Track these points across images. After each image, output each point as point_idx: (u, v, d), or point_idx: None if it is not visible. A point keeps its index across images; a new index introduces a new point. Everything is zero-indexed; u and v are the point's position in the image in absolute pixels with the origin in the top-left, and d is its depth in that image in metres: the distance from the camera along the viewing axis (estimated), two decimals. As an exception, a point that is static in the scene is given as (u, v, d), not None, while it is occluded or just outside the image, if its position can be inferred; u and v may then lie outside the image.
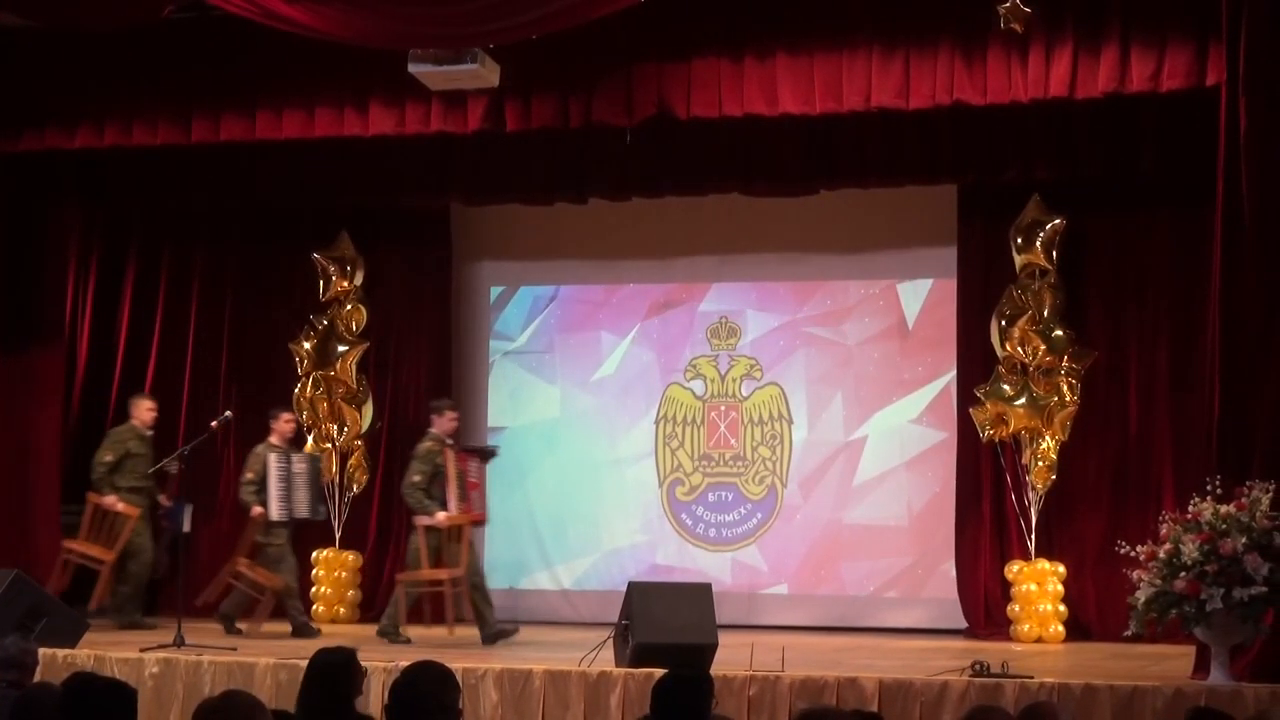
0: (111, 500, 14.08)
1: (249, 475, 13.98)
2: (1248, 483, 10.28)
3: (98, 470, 14.19)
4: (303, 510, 14.08)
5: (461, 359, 16.28)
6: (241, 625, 13.74)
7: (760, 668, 10.40)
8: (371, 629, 13.76)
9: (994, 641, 13.58)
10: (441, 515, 13.29)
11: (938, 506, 14.85)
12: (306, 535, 15.65)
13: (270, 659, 11.00)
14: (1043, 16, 11.26)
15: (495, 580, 15.69)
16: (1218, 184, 11.04)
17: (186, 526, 14.54)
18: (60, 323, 15.36)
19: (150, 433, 14.52)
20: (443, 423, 13.70)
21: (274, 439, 14.17)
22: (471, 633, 13.28)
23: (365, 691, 6.64)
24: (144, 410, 14.55)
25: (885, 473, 15.17)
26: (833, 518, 15.21)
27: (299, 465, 14.08)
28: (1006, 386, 14.18)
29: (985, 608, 14.14)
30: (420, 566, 13.35)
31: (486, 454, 14.21)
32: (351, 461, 15.78)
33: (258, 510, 13.83)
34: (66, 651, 11.28)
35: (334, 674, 6.45)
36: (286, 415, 14.43)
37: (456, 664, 10.40)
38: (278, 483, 13.88)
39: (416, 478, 13.46)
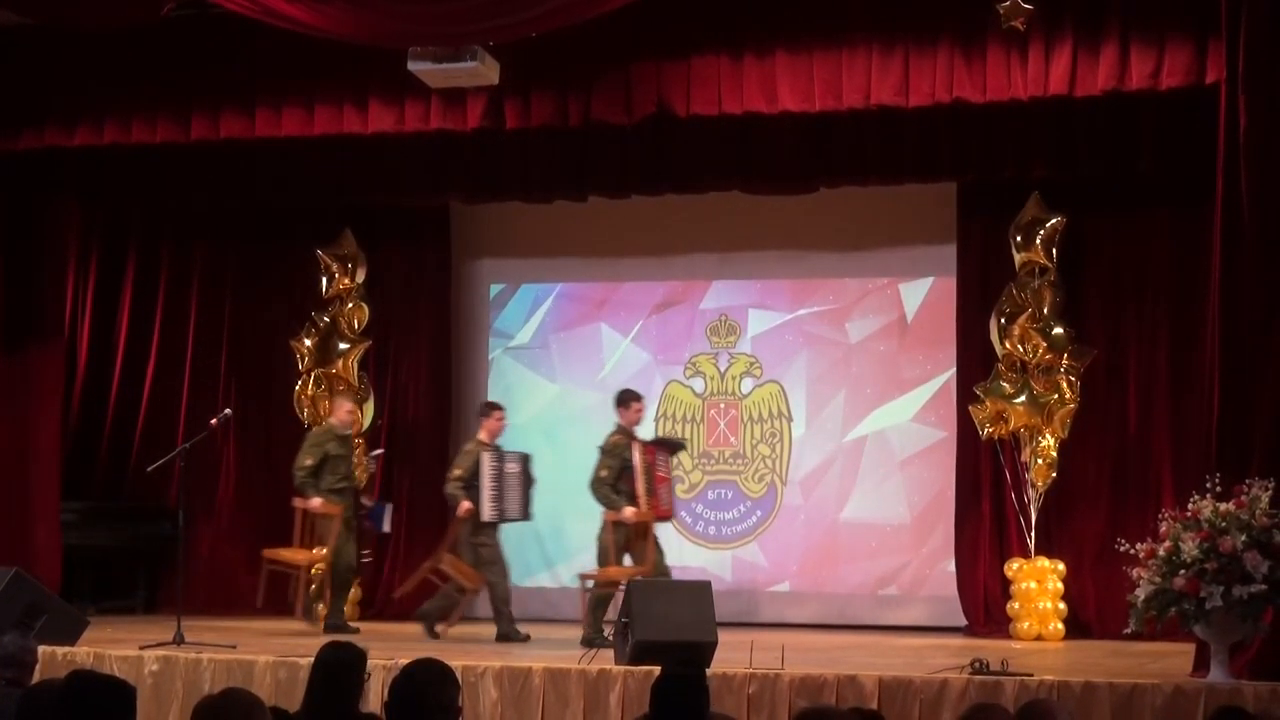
0: (317, 503, 13.73)
1: (457, 472, 13.55)
2: (1247, 480, 10.27)
3: (300, 474, 13.82)
4: (515, 512, 13.54)
5: (461, 356, 16.30)
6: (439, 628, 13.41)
7: (760, 665, 10.40)
8: (372, 626, 13.76)
9: (993, 639, 13.59)
10: (629, 511, 12.96)
11: (937, 504, 14.86)
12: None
13: (270, 657, 11.00)
14: (1042, 15, 11.27)
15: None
16: (1217, 182, 11.04)
17: (387, 527, 14.40)
18: (60, 321, 15.36)
19: (349, 433, 14.30)
20: (628, 415, 13.36)
21: (484, 436, 13.75)
22: (474, 630, 13.29)
23: (365, 690, 6.59)
24: (343, 411, 14.27)
25: (885, 471, 15.18)
26: (832, 516, 15.22)
27: (512, 465, 13.53)
28: (1006, 384, 14.18)
29: (985, 605, 14.15)
30: (609, 564, 13.02)
31: (674, 446, 13.92)
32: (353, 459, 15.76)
33: (465, 506, 13.37)
34: (66, 649, 11.28)
35: (342, 671, 6.44)
36: (498, 413, 13.93)
37: (456, 661, 10.40)
38: (490, 483, 13.37)
39: (604, 473, 13.12)
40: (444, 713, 5.92)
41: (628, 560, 13.21)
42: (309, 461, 13.84)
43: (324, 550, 13.83)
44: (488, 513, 13.33)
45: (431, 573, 13.61)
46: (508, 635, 13.25)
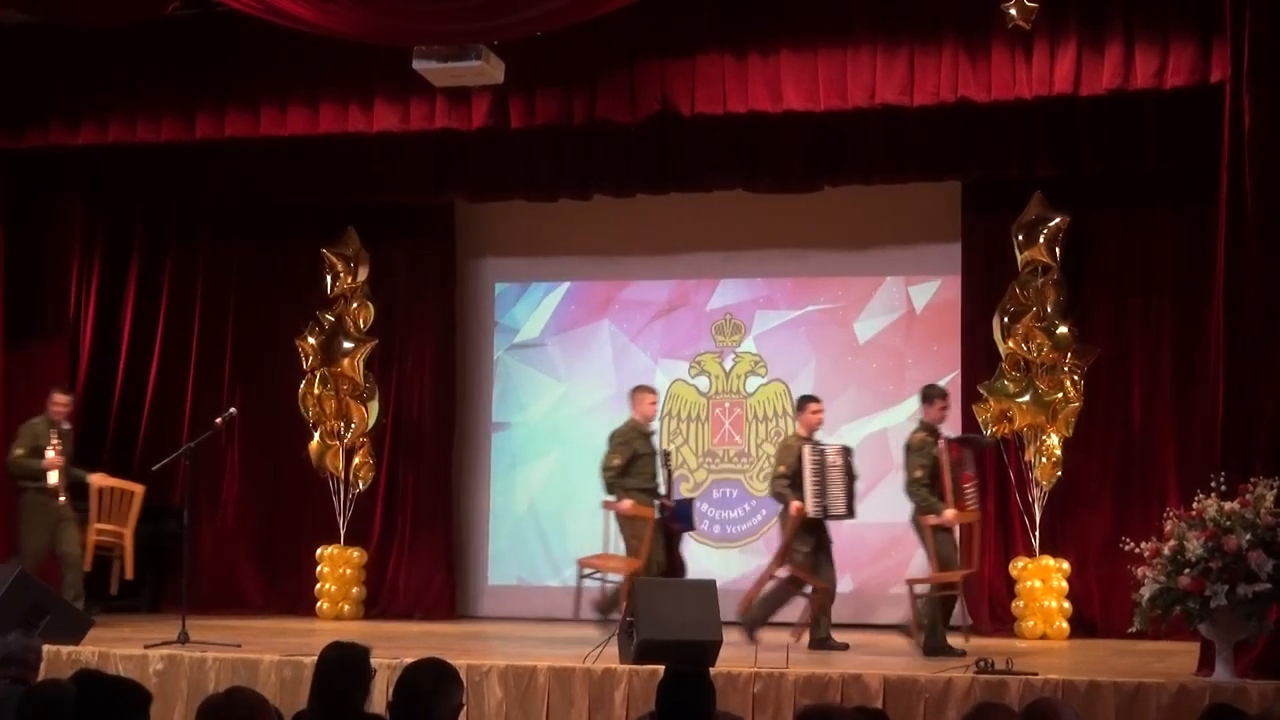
0: (628, 505, 13.04)
1: (781, 469, 13.00)
2: (1252, 479, 10.27)
3: (608, 475, 13.17)
4: (839, 507, 12.87)
5: (466, 355, 16.30)
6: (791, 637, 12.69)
7: (765, 664, 10.41)
8: (376, 626, 13.77)
9: (998, 638, 13.59)
10: (950, 513, 12.43)
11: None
12: (311, 532, 15.70)
13: (275, 656, 11.01)
14: (1047, 14, 11.26)
15: (501, 576, 15.75)
16: (1221, 181, 11.04)
17: (696, 525, 13.79)
18: (64, 318, 15.38)
19: (653, 429, 13.62)
20: (932, 412, 12.84)
21: (801, 430, 13.17)
22: (476, 628, 13.29)
23: (370, 690, 6.59)
24: (647, 405, 13.47)
25: (889, 469, 15.15)
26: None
27: (834, 458, 12.85)
28: (1010, 383, 14.18)
29: (990, 604, 14.15)
30: (952, 569, 12.56)
31: (981, 445, 13.45)
32: (357, 458, 15.77)
33: (797, 505, 12.73)
34: (71, 648, 11.28)
35: (347, 670, 6.44)
36: (814, 405, 13.22)
37: (461, 660, 10.45)
38: (813, 478, 12.75)
39: (918, 473, 12.58)
40: (446, 712, 5.92)
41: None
42: (617, 461, 13.15)
43: (637, 557, 13.12)
44: (811, 508, 12.72)
45: (772, 579, 13.11)
46: (824, 641, 12.75)
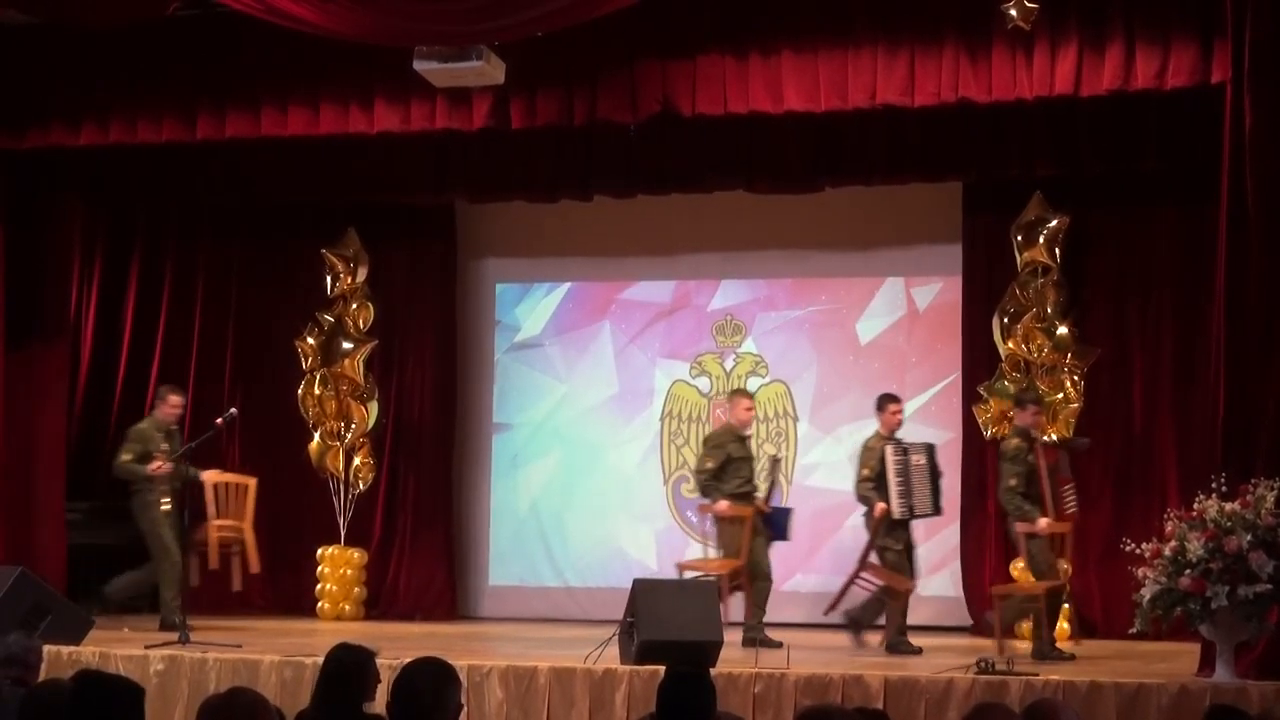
0: (724, 506, 13.02)
1: (864, 471, 12.94)
2: (1252, 480, 10.28)
3: (702, 478, 13.22)
4: (925, 507, 12.87)
5: (466, 356, 16.30)
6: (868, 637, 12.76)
7: (765, 665, 10.42)
8: (377, 626, 13.76)
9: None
10: (1044, 522, 12.31)
11: (943, 504, 14.83)
12: (312, 532, 15.70)
13: (275, 657, 11.01)
14: (1047, 14, 11.25)
15: (502, 577, 15.76)
16: (1222, 182, 11.04)
17: (789, 533, 13.58)
18: (65, 319, 15.35)
19: (749, 433, 13.61)
20: (1025, 416, 12.76)
21: (883, 430, 13.11)
22: (477, 629, 13.29)
23: (373, 693, 6.59)
24: (742, 410, 13.43)
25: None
26: (837, 515, 15.19)
27: (917, 458, 12.86)
28: (1010, 384, 14.18)
29: (990, 605, 14.12)
30: (1053, 576, 12.49)
31: (1078, 447, 13.27)
32: (357, 459, 15.77)
33: (881, 507, 12.70)
34: (71, 648, 11.29)
35: (351, 671, 6.44)
36: (894, 405, 13.21)
37: (462, 661, 10.46)
38: (896, 478, 12.74)
39: (1013, 481, 12.44)
40: (444, 711, 5.92)
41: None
42: (711, 464, 13.15)
43: (735, 558, 13.02)
44: (896, 509, 12.69)
45: (856, 582, 13.02)
46: (897, 646, 12.63)
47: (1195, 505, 10.37)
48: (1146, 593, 10.33)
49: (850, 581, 12.99)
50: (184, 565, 13.64)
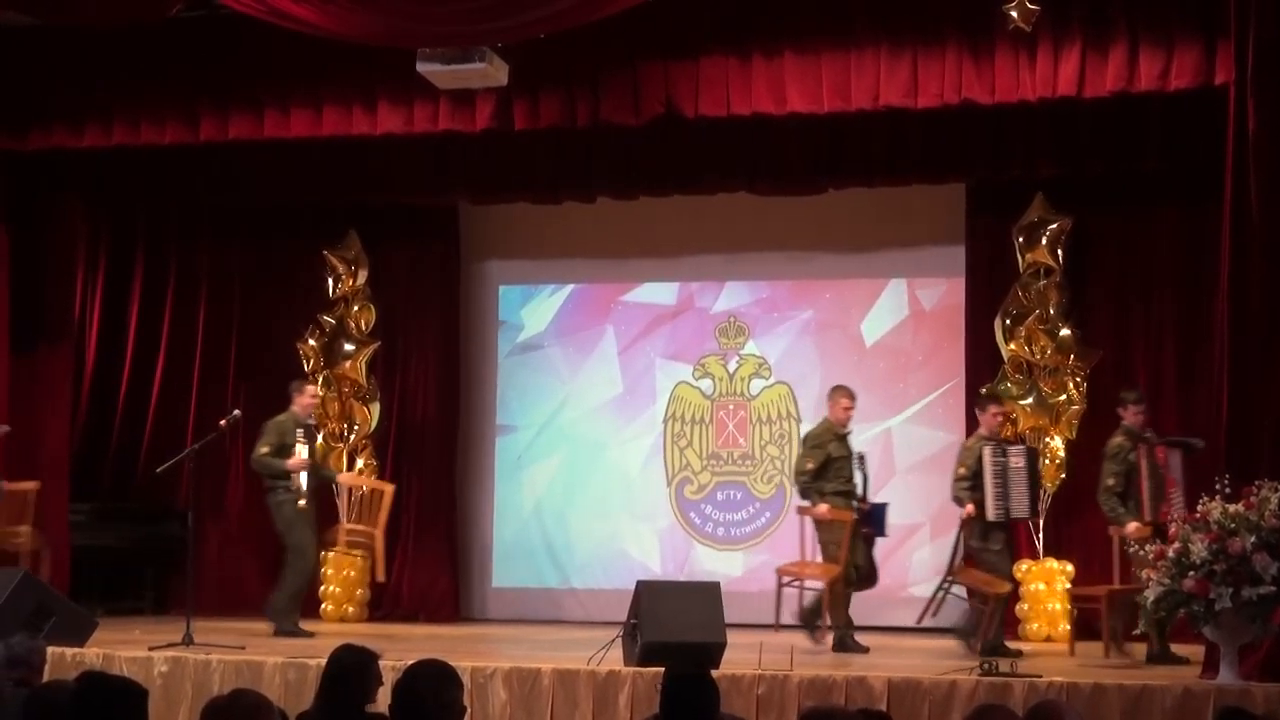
0: (824, 509, 12.80)
1: (961, 470, 12.76)
2: (1256, 482, 10.28)
3: (802, 479, 12.96)
4: (1021, 509, 12.66)
5: (469, 357, 16.30)
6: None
7: (769, 667, 10.40)
8: (380, 628, 13.76)
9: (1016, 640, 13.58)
10: (1132, 527, 11.97)
11: (946, 505, 14.81)
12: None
13: (279, 658, 11.01)
14: (1050, 16, 11.26)
15: (506, 579, 15.75)
16: (1225, 183, 11.04)
17: (886, 531, 13.41)
18: (69, 321, 15.37)
19: (849, 432, 13.17)
20: (1129, 415, 12.58)
21: (983, 431, 12.97)
22: (481, 631, 13.29)
23: (374, 695, 6.59)
24: (840, 410, 13.10)
25: (893, 471, 15.18)
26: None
27: (1015, 459, 12.61)
28: (1012, 386, 14.18)
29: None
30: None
31: (1190, 447, 12.72)
32: (360, 460, 15.77)
33: (969, 509, 12.58)
34: (75, 650, 11.28)
35: (354, 673, 6.44)
36: (995, 408, 13.08)
37: (465, 663, 10.48)
38: (994, 479, 12.52)
39: (1110, 481, 12.30)
40: (446, 712, 5.92)
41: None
42: (811, 465, 12.91)
43: (835, 562, 12.88)
44: (992, 511, 12.50)
45: (947, 588, 12.92)
46: (995, 649, 12.20)
47: (1199, 507, 10.37)
48: (1150, 594, 10.33)
49: (941, 588, 12.95)
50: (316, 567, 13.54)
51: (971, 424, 14.34)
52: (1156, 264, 14.26)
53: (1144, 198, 14.17)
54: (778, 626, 13.01)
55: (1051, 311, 14.18)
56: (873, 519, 13.09)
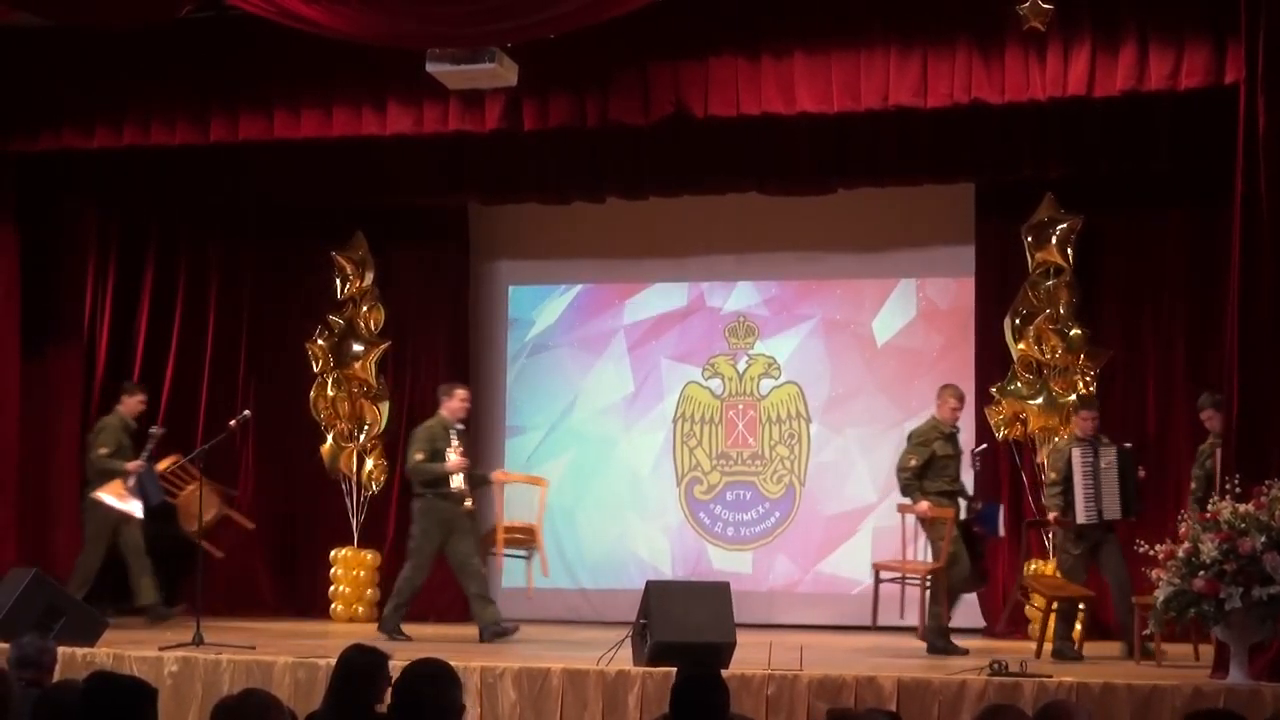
0: (925, 507, 12.69)
1: (1052, 475, 12.89)
2: (1266, 481, 10.26)
3: (904, 476, 12.86)
4: (1114, 511, 12.58)
5: (479, 357, 16.31)
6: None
7: (778, 666, 10.40)
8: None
9: (1012, 640, 13.57)
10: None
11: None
12: (325, 534, 15.71)
13: (288, 658, 11.01)
14: (1060, 15, 11.24)
15: (512, 579, 15.75)
16: (1236, 182, 11.02)
17: (1001, 530, 13.41)
18: (79, 322, 15.39)
19: (956, 430, 13.08)
20: (941, 408, 12.83)
21: (1077, 431, 12.96)
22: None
23: (384, 696, 6.60)
24: (948, 409, 13.00)
25: (903, 471, 15.18)
26: (851, 517, 15.21)
27: (1106, 460, 12.59)
28: (1022, 386, 14.17)
29: (1003, 607, 14.12)
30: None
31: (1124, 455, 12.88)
32: (370, 461, 15.77)
33: (1053, 516, 12.69)
34: (85, 650, 11.29)
35: (364, 673, 6.45)
36: (1085, 412, 13.00)
37: (475, 663, 10.50)
38: (1084, 481, 12.53)
39: (1193, 486, 12.61)
40: (446, 712, 5.92)
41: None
42: (914, 462, 12.80)
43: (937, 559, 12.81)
44: (1081, 513, 12.51)
45: (1021, 593, 12.96)
46: (1062, 652, 12.26)
47: (1209, 506, 10.36)
48: (1160, 594, 10.32)
49: (1013, 593, 12.95)
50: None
51: (981, 424, 14.35)
52: (1166, 264, 14.25)
53: (1154, 198, 14.16)
54: (875, 628, 13.07)
55: (1062, 311, 14.16)
56: (985, 518, 13.04)
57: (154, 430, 14.36)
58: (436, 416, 13.65)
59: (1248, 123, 10.95)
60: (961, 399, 13.13)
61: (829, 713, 7.04)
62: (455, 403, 13.65)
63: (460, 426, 13.70)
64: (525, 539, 14.21)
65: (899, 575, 12.99)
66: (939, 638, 12.52)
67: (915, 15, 11.99)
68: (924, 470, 12.74)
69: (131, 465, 14.10)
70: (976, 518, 12.92)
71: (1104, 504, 12.52)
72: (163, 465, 14.47)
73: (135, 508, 14.20)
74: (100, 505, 14.17)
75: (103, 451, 14.24)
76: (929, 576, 12.63)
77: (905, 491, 12.86)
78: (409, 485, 15.51)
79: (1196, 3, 11.41)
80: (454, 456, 13.39)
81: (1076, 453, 12.62)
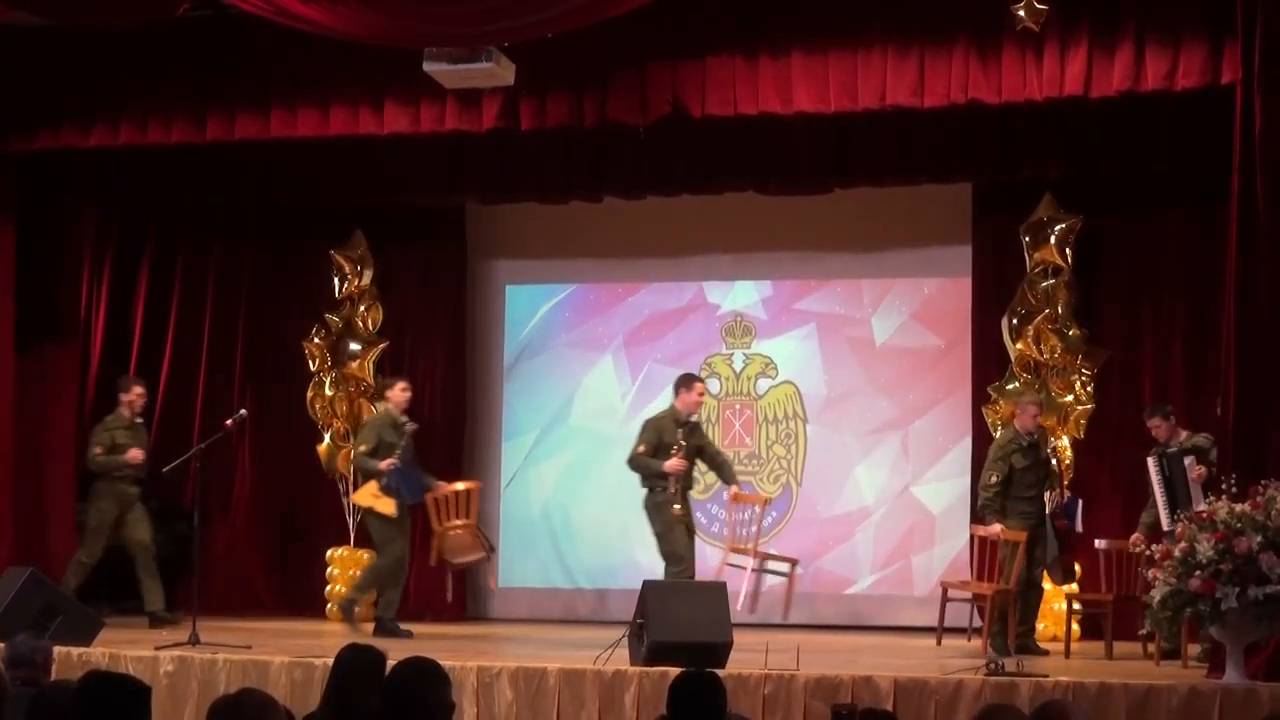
0: (996, 530, 12.71)
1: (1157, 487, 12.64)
2: (1263, 481, 10.27)
3: (984, 494, 12.86)
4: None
5: (476, 357, 16.30)
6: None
7: (775, 666, 10.40)
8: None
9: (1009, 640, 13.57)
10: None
11: (953, 505, 14.85)
12: (321, 534, 15.70)
13: (285, 657, 11.02)
14: (1057, 15, 11.25)
15: (512, 578, 15.77)
16: (1233, 182, 11.04)
17: (1079, 525, 13.18)
18: (75, 320, 15.40)
19: (1036, 439, 12.97)
20: (1161, 430, 12.60)
21: (1158, 435, 12.69)
22: (487, 630, 13.29)
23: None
24: (1028, 417, 12.90)
25: (900, 471, 15.18)
26: (848, 518, 15.21)
27: (1181, 463, 12.30)
28: (1020, 385, 14.17)
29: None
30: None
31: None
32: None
33: (1135, 538, 12.35)
34: (81, 650, 11.29)
35: (363, 673, 6.44)
36: (1155, 421, 12.74)
37: (471, 662, 10.51)
38: (1161, 489, 12.33)
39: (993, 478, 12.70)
40: (435, 710, 5.91)
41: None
42: (995, 479, 12.81)
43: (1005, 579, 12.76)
44: (1165, 521, 12.13)
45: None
46: (1174, 653, 11.91)
47: (1205, 506, 10.36)
48: (1157, 594, 10.32)
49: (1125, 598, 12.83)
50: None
51: (979, 424, 14.35)
52: (1165, 264, 14.24)
53: (1152, 198, 14.15)
54: (939, 638, 13.08)
55: (1061, 311, 14.16)
56: (1067, 512, 13.01)
57: (407, 425, 14.01)
58: (669, 409, 13.45)
59: (1244, 123, 10.97)
60: (1041, 405, 13.13)
61: (834, 708, 7.07)
62: (694, 396, 13.38)
63: (694, 420, 13.47)
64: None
65: (966, 596, 13.09)
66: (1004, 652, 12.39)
67: (913, 15, 11.99)
68: (1006, 486, 12.74)
69: (384, 464, 13.71)
70: (1059, 510, 12.90)
71: (1189, 512, 11.89)
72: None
73: (389, 507, 13.76)
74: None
75: (362, 449, 13.98)
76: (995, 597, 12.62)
77: (983, 511, 12.86)
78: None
79: (1193, 3, 11.41)
80: (676, 455, 13.14)
81: (1151, 461, 12.47)
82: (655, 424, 13.36)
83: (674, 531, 13.09)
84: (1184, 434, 12.55)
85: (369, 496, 13.71)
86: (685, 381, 13.58)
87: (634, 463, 13.24)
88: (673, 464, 13.10)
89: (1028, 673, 10.20)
